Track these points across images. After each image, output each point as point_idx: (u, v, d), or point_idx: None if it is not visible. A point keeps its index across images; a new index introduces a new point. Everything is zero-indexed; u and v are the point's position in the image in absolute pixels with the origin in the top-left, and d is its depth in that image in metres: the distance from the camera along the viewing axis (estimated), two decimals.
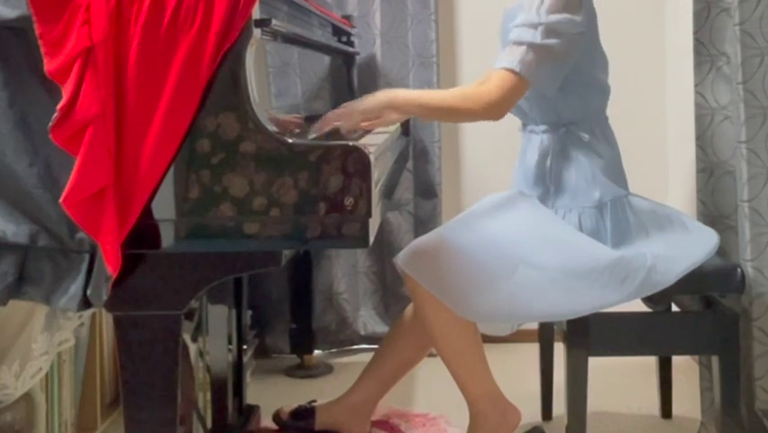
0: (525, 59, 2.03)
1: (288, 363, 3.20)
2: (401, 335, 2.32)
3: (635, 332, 2.17)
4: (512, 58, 2.04)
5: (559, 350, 2.25)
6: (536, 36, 2.04)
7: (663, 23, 3.36)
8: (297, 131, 2.04)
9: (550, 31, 2.05)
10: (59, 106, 1.40)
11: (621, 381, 2.86)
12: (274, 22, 1.61)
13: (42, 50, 1.43)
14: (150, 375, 1.51)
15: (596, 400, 2.29)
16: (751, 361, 2.18)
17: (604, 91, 2.26)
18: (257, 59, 1.61)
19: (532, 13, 2.06)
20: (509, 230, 2.12)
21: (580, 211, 2.16)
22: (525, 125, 2.31)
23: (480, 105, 2.03)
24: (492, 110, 2.04)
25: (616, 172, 2.24)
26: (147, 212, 1.46)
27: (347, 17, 3.13)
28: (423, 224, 3.29)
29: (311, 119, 2.37)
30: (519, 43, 2.05)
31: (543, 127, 2.24)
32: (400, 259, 2.15)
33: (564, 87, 2.16)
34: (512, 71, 2.03)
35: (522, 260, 2.07)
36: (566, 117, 2.21)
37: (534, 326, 2.63)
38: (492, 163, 3.26)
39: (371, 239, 1.49)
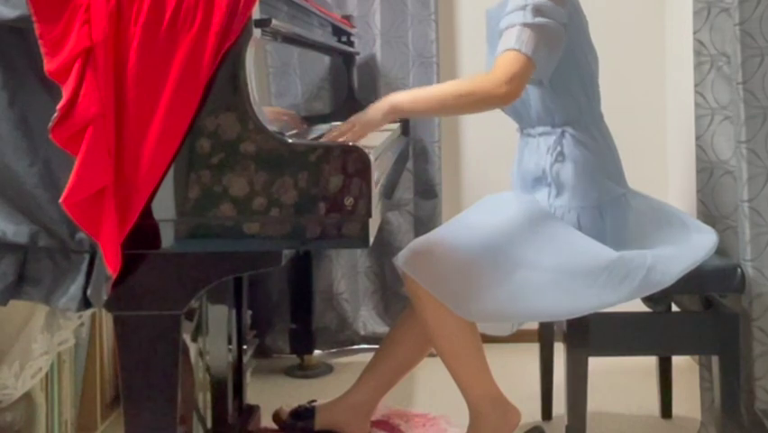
0: (521, 37, 2.04)
1: (288, 363, 3.19)
2: (401, 335, 2.32)
3: (635, 332, 2.17)
4: (509, 40, 2.05)
5: (559, 350, 2.25)
6: (527, 16, 2.05)
7: (663, 23, 3.35)
8: (293, 128, 2.04)
9: (537, 10, 2.06)
10: (59, 106, 1.40)
11: (621, 381, 2.86)
12: (274, 22, 1.61)
13: (42, 50, 1.43)
14: (150, 375, 1.51)
15: (596, 400, 2.29)
16: (751, 361, 2.18)
17: (597, 90, 2.26)
18: (257, 59, 1.61)
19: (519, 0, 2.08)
20: (509, 230, 2.12)
21: (578, 211, 2.16)
22: (521, 129, 2.31)
23: (491, 85, 2.00)
24: (503, 89, 2.00)
25: (614, 171, 2.24)
26: (147, 212, 1.46)
27: (347, 17, 3.13)
28: (423, 224, 3.28)
29: (310, 119, 2.38)
30: (512, 26, 2.06)
31: (539, 130, 2.23)
32: (400, 259, 2.15)
33: (558, 88, 2.17)
34: (514, 50, 2.03)
35: (521, 260, 2.07)
36: (561, 118, 2.20)
37: (534, 326, 2.63)
38: (492, 163, 3.26)
39: (371, 239, 1.48)
